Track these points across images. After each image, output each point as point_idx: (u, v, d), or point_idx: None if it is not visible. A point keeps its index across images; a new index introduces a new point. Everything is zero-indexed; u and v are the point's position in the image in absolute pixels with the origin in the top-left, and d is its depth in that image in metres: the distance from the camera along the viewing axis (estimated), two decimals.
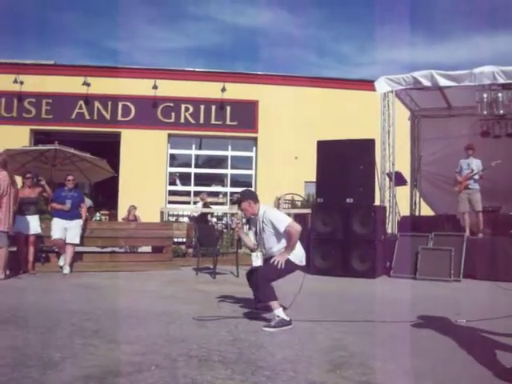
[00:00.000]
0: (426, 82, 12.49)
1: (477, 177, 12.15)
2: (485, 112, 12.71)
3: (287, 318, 6.10)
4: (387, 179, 13.34)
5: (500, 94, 12.40)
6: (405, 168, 14.92)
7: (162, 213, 16.42)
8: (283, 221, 6.48)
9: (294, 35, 55.26)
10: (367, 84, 16.30)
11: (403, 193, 14.81)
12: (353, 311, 7.24)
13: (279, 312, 6.12)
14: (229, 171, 22.01)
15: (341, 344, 5.38)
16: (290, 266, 6.45)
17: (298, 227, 6.40)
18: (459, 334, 5.91)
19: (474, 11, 55.02)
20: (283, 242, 6.49)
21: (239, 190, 21.10)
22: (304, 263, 6.69)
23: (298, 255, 6.53)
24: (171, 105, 20.96)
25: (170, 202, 21.04)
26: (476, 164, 12.24)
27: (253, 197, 6.81)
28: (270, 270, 6.37)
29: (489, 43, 54.22)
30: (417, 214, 15.79)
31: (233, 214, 16.87)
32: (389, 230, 12.85)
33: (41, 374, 4.14)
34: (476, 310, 7.40)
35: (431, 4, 53.75)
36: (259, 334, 5.77)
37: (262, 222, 6.62)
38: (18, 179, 11.66)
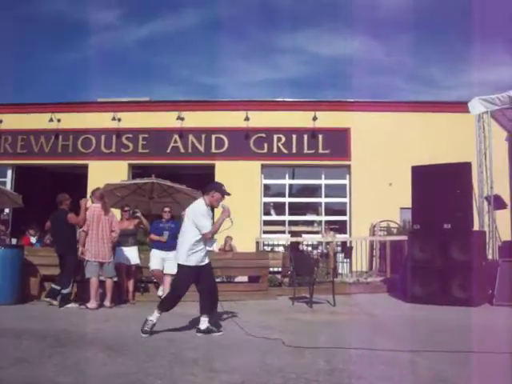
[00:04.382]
0: None
1: None
2: None
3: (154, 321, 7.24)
4: (486, 203, 12.94)
5: None
6: (504, 191, 14.40)
7: (257, 243, 16.54)
8: None
9: (381, 62, 54.93)
10: (460, 106, 15.95)
11: (503, 217, 14.30)
12: (453, 341, 7.02)
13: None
14: (323, 200, 21.86)
15: (443, 376, 5.23)
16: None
17: None
18: None
19: None
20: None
21: (334, 218, 21.25)
22: (184, 262, 7.42)
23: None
24: (263, 135, 21.13)
25: (265, 232, 21.13)
26: None
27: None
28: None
29: None
30: None
31: (327, 243, 16.81)
32: (489, 256, 12.43)
33: None
34: None
35: None
36: (358, 364, 5.70)
37: None
38: (117, 212, 12.13)
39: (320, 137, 21.03)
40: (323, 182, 21.74)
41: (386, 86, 53.84)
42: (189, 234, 7.44)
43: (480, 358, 6.08)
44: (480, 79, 51.15)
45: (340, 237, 19.23)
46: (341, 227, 21.05)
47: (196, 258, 7.43)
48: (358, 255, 16.30)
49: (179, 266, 7.47)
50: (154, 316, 7.26)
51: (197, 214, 7.48)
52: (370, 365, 5.68)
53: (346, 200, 21.41)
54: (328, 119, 20.63)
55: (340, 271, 16.68)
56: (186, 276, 7.47)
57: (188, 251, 7.38)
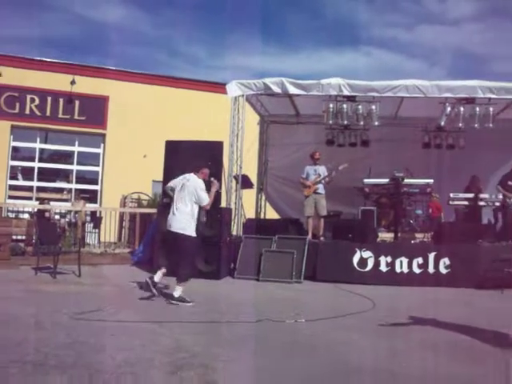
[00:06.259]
0: (277, 89, 12.79)
1: (324, 181, 12.61)
2: (330, 121, 13.18)
3: None
4: (234, 182, 13.51)
5: (345, 106, 12.88)
6: (252, 172, 15.20)
7: (0, 208, 15.60)
8: None
9: (146, 34, 54.55)
10: (220, 87, 16.39)
11: (249, 196, 15.08)
12: (196, 312, 7.27)
13: None
14: (75, 167, 21.23)
15: (183, 345, 5.39)
16: None
17: None
18: (299, 333, 6.14)
19: (322, 28, 57.74)
20: None
21: (85, 187, 20.78)
22: (192, 233, 8.27)
23: None
24: (16, 94, 19.88)
25: (11, 197, 19.97)
26: (322, 170, 12.70)
27: None
28: None
29: (335, 57, 57.06)
30: (262, 216, 16.13)
31: (76, 212, 16.39)
32: (234, 232, 13.01)
33: None
34: (316, 310, 7.71)
35: (282, 17, 55.52)
36: (99, 336, 5.64)
37: None
38: None
39: (77, 102, 20.34)
40: (76, 149, 21.10)
41: (151, 59, 53.56)
42: (193, 208, 8.29)
43: (219, 327, 6.38)
44: (243, 65, 53.40)
45: (90, 206, 18.87)
46: (91, 196, 20.67)
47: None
48: (107, 226, 16.11)
49: (188, 237, 8.14)
50: (179, 291, 8.00)
51: (198, 189, 8.35)
52: (112, 336, 5.66)
53: (99, 169, 21.06)
54: (87, 85, 19.99)
55: (88, 241, 16.36)
56: (195, 245, 8.38)
57: (194, 223, 8.26)
